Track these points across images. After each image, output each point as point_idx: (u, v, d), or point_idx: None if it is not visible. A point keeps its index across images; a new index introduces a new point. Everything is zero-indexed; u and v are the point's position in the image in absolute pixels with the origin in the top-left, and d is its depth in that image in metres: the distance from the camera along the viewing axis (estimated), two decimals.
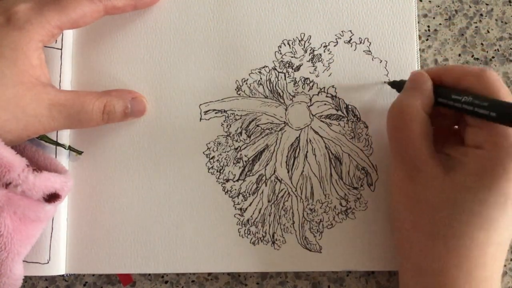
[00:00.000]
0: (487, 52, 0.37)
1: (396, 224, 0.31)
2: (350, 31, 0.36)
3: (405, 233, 0.30)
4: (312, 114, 0.35)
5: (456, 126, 0.33)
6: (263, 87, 0.36)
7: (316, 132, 0.35)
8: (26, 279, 0.35)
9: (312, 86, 0.35)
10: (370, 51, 0.35)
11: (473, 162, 0.28)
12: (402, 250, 0.31)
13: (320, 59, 0.36)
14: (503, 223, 0.27)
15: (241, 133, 0.35)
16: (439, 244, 0.28)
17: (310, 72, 0.36)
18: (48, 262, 0.33)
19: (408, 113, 0.29)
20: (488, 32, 0.37)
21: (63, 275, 0.35)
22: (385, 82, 0.35)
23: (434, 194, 0.28)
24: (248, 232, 0.34)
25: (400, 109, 0.30)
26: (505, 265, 0.35)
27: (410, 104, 0.29)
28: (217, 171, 0.35)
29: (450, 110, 0.31)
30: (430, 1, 0.38)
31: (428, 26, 0.37)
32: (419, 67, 0.35)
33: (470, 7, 0.38)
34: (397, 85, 0.34)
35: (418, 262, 0.29)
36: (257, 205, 0.35)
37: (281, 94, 0.35)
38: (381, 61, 0.35)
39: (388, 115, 0.31)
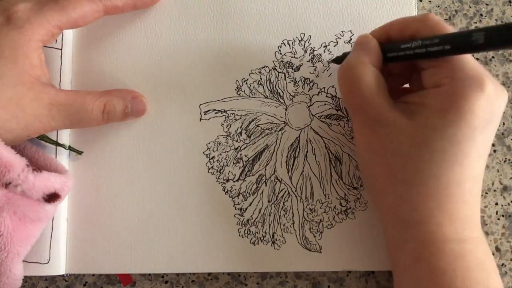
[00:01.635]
0: (487, 52, 0.37)
1: (369, 181, 0.31)
2: (350, 31, 0.36)
3: (380, 188, 0.30)
4: (312, 114, 0.35)
5: (407, 85, 0.33)
6: (263, 87, 0.36)
7: (316, 132, 0.35)
8: (26, 279, 0.35)
9: (312, 86, 0.35)
10: None
11: (434, 100, 0.27)
12: (381, 206, 0.30)
13: (320, 59, 0.36)
14: (474, 156, 0.27)
15: (241, 133, 0.35)
16: (416, 190, 0.28)
17: (310, 72, 0.36)
18: (48, 262, 0.33)
19: (358, 69, 0.29)
20: None
21: (63, 275, 0.35)
22: (328, 61, 0.35)
23: (402, 141, 0.28)
24: (248, 232, 0.34)
25: (349, 67, 0.29)
26: (505, 265, 0.35)
27: (358, 61, 0.29)
28: (217, 171, 0.35)
29: (399, 68, 0.31)
30: (430, 1, 0.38)
31: None
32: None
33: (470, 7, 0.38)
34: (341, 59, 0.34)
35: (399, 214, 0.29)
36: (257, 205, 0.35)
37: (281, 94, 0.35)
38: None
39: (338, 76, 0.30)
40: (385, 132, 0.28)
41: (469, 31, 0.25)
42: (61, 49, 0.35)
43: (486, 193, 0.36)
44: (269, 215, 0.35)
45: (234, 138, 0.35)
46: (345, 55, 0.33)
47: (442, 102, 0.27)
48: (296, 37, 0.36)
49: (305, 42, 0.36)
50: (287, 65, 0.36)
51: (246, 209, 0.35)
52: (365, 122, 0.29)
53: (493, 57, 0.37)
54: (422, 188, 0.27)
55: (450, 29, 0.28)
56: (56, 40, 0.35)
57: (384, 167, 0.29)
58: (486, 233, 0.36)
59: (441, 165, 0.27)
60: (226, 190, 0.35)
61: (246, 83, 0.36)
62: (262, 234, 0.34)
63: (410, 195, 0.28)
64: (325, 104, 0.35)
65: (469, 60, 0.27)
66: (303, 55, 0.36)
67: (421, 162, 0.27)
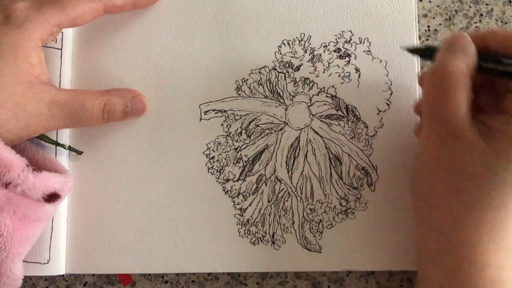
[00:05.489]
0: None
1: (421, 190, 0.30)
2: (350, 31, 0.36)
3: (434, 200, 0.29)
4: (312, 114, 0.35)
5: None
6: (263, 87, 0.36)
7: (316, 132, 0.35)
8: (26, 279, 0.35)
9: (312, 86, 0.35)
10: (370, 51, 0.35)
11: None
12: (426, 218, 0.29)
13: (320, 59, 0.36)
14: None
15: (241, 133, 0.35)
16: (473, 214, 0.27)
17: (310, 72, 0.36)
18: (48, 262, 0.33)
19: (454, 76, 0.27)
20: None
21: (63, 275, 0.35)
22: (403, 47, 0.32)
23: (473, 162, 0.27)
24: (248, 232, 0.34)
25: (445, 71, 0.28)
26: None
27: (456, 66, 0.27)
28: (217, 171, 0.35)
29: (481, 80, 0.29)
30: (430, 1, 0.38)
31: (428, 26, 0.37)
32: (419, 68, 0.35)
33: (470, 7, 0.38)
34: (421, 51, 0.31)
35: (445, 230, 0.28)
36: (257, 205, 0.35)
37: (281, 94, 0.35)
38: (381, 61, 0.35)
39: (429, 76, 0.29)
40: (459, 148, 0.27)
41: None
42: (61, 49, 0.35)
43: None
44: (269, 215, 0.35)
45: (234, 138, 0.35)
46: (428, 48, 0.30)
47: None
48: (296, 37, 0.36)
49: (305, 42, 0.36)
50: (287, 65, 0.36)
51: (246, 209, 0.35)
52: (441, 133, 0.28)
53: None
54: (478, 213, 0.27)
55: None
56: (56, 40, 0.35)
57: (446, 182, 0.28)
58: None
59: (505, 197, 0.26)
60: (226, 190, 0.35)
61: (246, 83, 0.35)
62: (262, 234, 0.34)
63: (464, 216, 0.27)
64: (325, 104, 0.35)
65: None
66: (303, 55, 0.36)
67: (486, 188, 0.27)
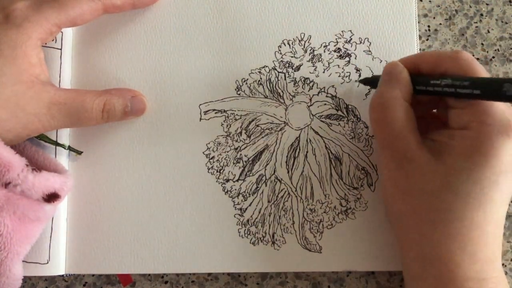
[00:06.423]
0: (487, 52, 0.37)
1: (393, 215, 0.31)
2: (350, 31, 0.36)
3: (404, 223, 0.30)
4: (312, 114, 0.35)
5: (435, 110, 0.33)
6: (263, 87, 0.35)
7: (316, 132, 0.35)
8: (26, 279, 0.35)
9: (312, 86, 0.35)
10: (370, 51, 0.35)
11: (460, 143, 0.28)
12: (402, 240, 0.30)
13: (320, 59, 0.36)
14: (498, 200, 0.28)
15: (241, 133, 0.35)
16: (439, 230, 0.28)
17: (310, 72, 0.36)
18: (47, 262, 0.33)
19: (390, 105, 0.29)
20: (489, 32, 0.37)
21: (62, 275, 0.35)
22: (356, 81, 0.35)
23: (428, 181, 0.28)
24: (248, 232, 0.34)
25: (382, 102, 0.30)
26: (505, 265, 0.35)
27: (391, 96, 0.29)
28: (217, 171, 0.35)
29: (427, 97, 0.31)
30: (430, 1, 0.38)
31: (429, 26, 0.37)
32: None
33: (471, 7, 0.38)
34: (370, 81, 0.34)
35: (421, 250, 0.29)
36: (257, 205, 0.35)
37: (281, 94, 0.35)
38: (381, 61, 0.35)
39: (370, 109, 0.31)
40: (412, 169, 0.29)
41: (500, 80, 0.25)
42: (61, 49, 0.35)
43: None
44: (269, 215, 0.35)
45: (234, 138, 0.35)
46: (375, 78, 0.33)
47: (468, 146, 0.27)
48: (296, 37, 0.36)
49: (305, 42, 0.36)
50: (287, 65, 0.36)
51: (246, 209, 0.35)
52: (392, 157, 0.29)
53: (493, 57, 0.37)
54: (445, 228, 0.28)
55: (481, 70, 0.28)
56: (56, 40, 0.35)
57: (409, 204, 0.29)
58: None
59: (464, 208, 0.27)
60: (226, 190, 0.35)
61: (246, 83, 0.35)
62: (262, 234, 0.34)
63: (433, 233, 0.28)
64: (325, 104, 0.35)
65: (497, 104, 0.28)
66: (303, 55, 0.36)
67: (445, 203, 0.28)
